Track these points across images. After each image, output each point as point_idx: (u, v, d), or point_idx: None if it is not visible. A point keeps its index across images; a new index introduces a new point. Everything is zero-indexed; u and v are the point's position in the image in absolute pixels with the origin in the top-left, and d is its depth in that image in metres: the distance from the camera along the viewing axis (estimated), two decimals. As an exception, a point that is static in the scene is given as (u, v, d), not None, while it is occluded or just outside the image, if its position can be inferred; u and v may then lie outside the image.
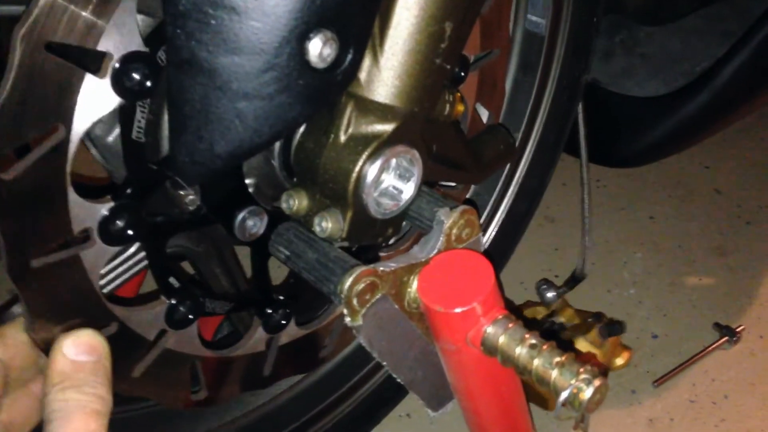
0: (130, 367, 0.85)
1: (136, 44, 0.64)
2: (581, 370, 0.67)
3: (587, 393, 0.65)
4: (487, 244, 1.32)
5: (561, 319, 1.40)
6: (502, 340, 0.71)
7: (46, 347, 0.70)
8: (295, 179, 0.80)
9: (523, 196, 1.30)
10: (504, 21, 1.00)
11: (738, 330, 1.59)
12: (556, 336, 1.32)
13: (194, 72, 0.63)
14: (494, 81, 1.05)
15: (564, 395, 0.65)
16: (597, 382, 0.66)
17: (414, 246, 0.79)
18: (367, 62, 0.71)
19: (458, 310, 0.70)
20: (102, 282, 0.80)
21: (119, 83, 0.64)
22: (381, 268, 0.73)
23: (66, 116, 0.64)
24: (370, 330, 0.75)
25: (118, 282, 0.84)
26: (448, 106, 0.79)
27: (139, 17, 0.66)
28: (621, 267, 1.79)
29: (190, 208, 0.80)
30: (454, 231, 0.78)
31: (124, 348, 0.84)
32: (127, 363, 0.85)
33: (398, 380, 0.82)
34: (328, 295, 0.74)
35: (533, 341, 0.70)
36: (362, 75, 0.71)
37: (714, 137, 2.08)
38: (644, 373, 1.54)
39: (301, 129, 0.78)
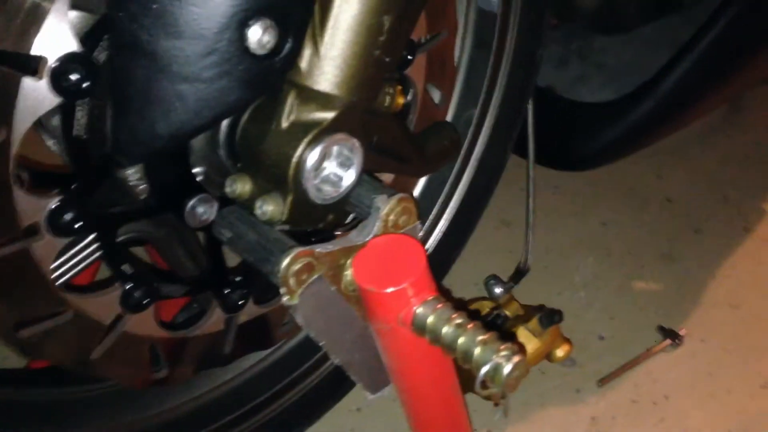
0: (88, 350, 0.88)
1: (72, 45, 0.66)
2: (502, 347, 0.70)
3: (506, 369, 0.69)
4: (452, 215, 1.36)
5: (506, 312, 1.44)
6: (430, 319, 0.74)
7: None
8: (239, 165, 0.83)
9: (483, 172, 1.34)
10: (450, 3, 1.04)
11: (681, 333, 1.64)
12: (498, 326, 1.36)
13: (136, 55, 0.66)
14: (443, 62, 1.08)
15: (484, 370, 0.69)
16: (516, 359, 0.69)
17: (353, 231, 0.82)
18: (308, 52, 0.74)
19: (390, 290, 0.74)
20: (57, 272, 0.83)
21: (57, 84, 0.67)
22: (318, 250, 0.76)
23: (6, 118, 0.66)
24: (307, 310, 0.78)
25: (73, 272, 0.87)
26: (388, 97, 0.83)
27: (77, 14, 0.69)
28: (572, 270, 1.83)
29: (141, 197, 0.82)
30: (391, 217, 0.81)
31: (82, 333, 0.87)
32: (85, 347, 0.88)
33: (335, 362, 0.85)
34: (267, 275, 0.77)
35: (459, 320, 0.73)
36: (303, 64, 0.75)
37: (666, 147, 2.16)
38: (590, 373, 1.58)
39: (245, 116, 0.81)
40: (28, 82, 0.66)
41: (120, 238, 0.88)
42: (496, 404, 0.72)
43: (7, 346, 0.80)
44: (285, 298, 0.76)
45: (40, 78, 0.66)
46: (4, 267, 0.73)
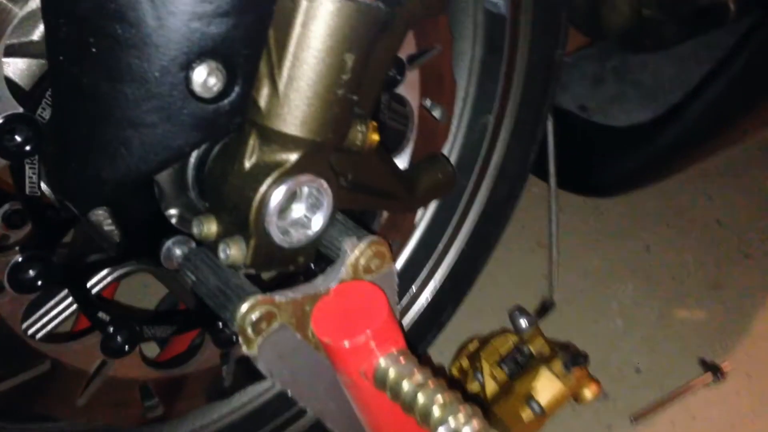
0: (72, 398, 0.88)
1: (12, 107, 0.65)
2: (461, 408, 0.65)
3: (463, 433, 0.64)
4: (471, 229, 1.30)
5: (531, 348, 1.38)
6: (391, 374, 0.70)
7: None
8: (207, 205, 0.80)
9: (504, 181, 1.28)
10: (441, 17, 0.99)
11: (724, 367, 1.54)
12: (519, 363, 1.30)
13: (78, 99, 0.64)
14: (440, 75, 1.04)
15: (439, 434, 0.64)
16: (475, 424, 0.64)
17: (320, 275, 0.78)
18: (266, 91, 0.71)
19: (347, 342, 0.70)
20: (37, 326, 0.83)
21: (1, 146, 0.66)
22: (278, 298, 0.73)
23: None
24: (269, 359, 0.74)
25: (54, 324, 0.86)
26: (360, 135, 0.79)
27: (24, 62, 0.68)
28: (610, 297, 1.75)
29: (114, 242, 0.81)
30: (361, 262, 0.77)
31: (62, 382, 0.86)
32: (68, 394, 0.87)
33: (308, 412, 0.82)
34: (225, 322, 0.74)
35: (420, 378, 0.69)
36: (263, 104, 0.71)
37: (717, 167, 2.05)
38: (623, 408, 1.50)
39: (212, 154, 0.78)
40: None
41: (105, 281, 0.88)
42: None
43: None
44: (243, 348, 0.73)
45: None
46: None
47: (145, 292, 1.43)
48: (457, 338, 1.51)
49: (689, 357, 1.59)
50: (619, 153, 1.35)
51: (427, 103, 1.05)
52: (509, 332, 1.46)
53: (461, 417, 0.64)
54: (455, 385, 0.72)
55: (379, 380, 0.71)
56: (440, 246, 1.29)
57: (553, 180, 1.22)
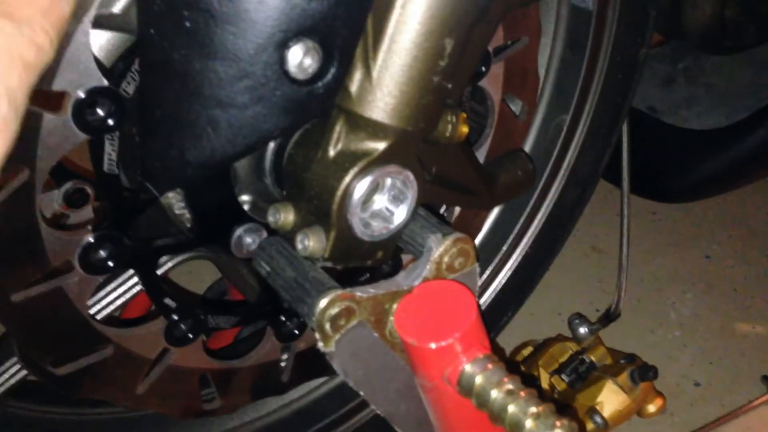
0: (132, 385, 0.85)
1: (96, 79, 0.62)
2: (557, 423, 0.61)
3: (560, 449, 0.60)
4: (536, 232, 1.25)
5: (591, 357, 1.33)
6: (478, 381, 0.66)
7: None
8: (284, 192, 0.77)
9: (574, 184, 1.23)
10: (531, 7, 0.94)
11: (789, 386, 1.48)
12: (580, 374, 1.25)
13: (167, 75, 0.61)
14: (525, 70, 0.99)
15: (534, 449, 0.60)
16: (572, 439, 0.60)
17: (401, 272, 0.74)
18: (358, 75, 0.67)
19: (433, 345, 0.66)
20: (97, 307, 0.80)
21: (82, 120, 0.63)
22: (359, 293, 0.69)
23: (28, 157, 0.63)
24: (345, 357, 0.71)
25: (113, 306, 0.84)
26: (450, 126, 0.75)
27: (113, 35, 0.65)
28: (668, 307, 1.69)
29: (186, 226, 0.78)
30: (445, 260, 0.73)
31: (124, 367, 0.84)
32: (128, 381, 0.85)
33: (378, 412, 0.78)
34: (302, 316, 0.71)
35: (511, 385, 0.65)
36: (354, 89, 0.67)
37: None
38: (681, 423, 1.44)
39: (293, 140, 0.75)
40: (50, 120, 0.62)
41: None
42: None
43: (46, 384, 0.78)
44: (320, 345, 0.69)
45: (64, 115, 0.62)
46: (38, 304, 0.71)
47: (190, 278, 1.40)
48: (507, 342, 1.47)
49: (751, 373, 1.53)
50: (695, 157, 1.30)
51: (509, 97, 1.00)
52: (567, 339, 1.41)
53: (558, 430, 0.60)
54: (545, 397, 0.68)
55: (465, 386, 0.67)
56: (504, 248, 1.24)
57: (626, 184, 1.17)
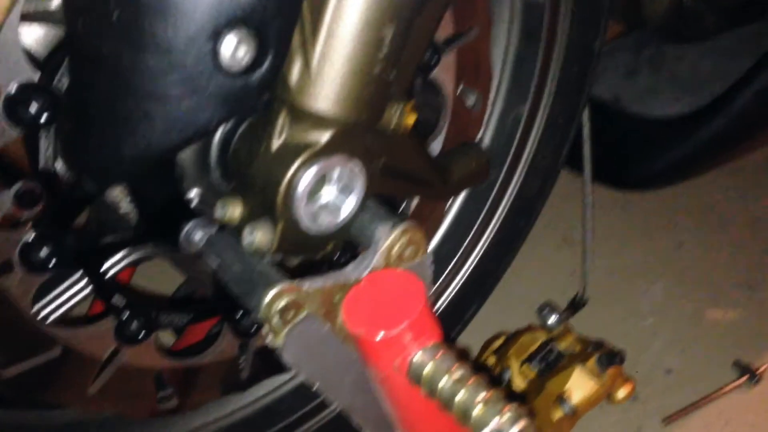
0: (83, 386, 0.84)
1: (27, 74, 0.61)
2: (506, 408, 0.61)
3: (508, 435, 0.59)
4: (499, 224, 1.26)
5: (561, 345, 1.33)
6: (427, 369, 0.65)
7: None
8: (231, 186, 0.76)
9: (535, 175, 1.23)
10: None
11: (760, 370, 1.48)
12: (549, 362, 1.25)
13: (98, 70, 0.60)
14: (477, 60, 0.99)
15: (481, 435, 0.59)
16: (521, 424, 0.60)
17: (350, 263, 0.74)
18: (297, 66, 0.66)
19: (381, 335, 0.65)
20: (49, 308, 0.79)
21: (13, 116, 0.61)
22: (305, 286, 0.69)
23: None
24: (295, 351, 0.70)
25: (64, 307, 0.82)
26: (396, 117, 0.74)
27: (41, 28, 0.64)
28: (640, 295, 1.69)
29: (132, 224, 0.77)
30: (394, 250, 0.73)
31: (73, 368, 0.83)
32: (79, 382, 0.84)
33: (335, 407, 0.77)
34: (250, 311, 0.70)
35: (460, 373, 0.64)
36: (293, 81, 0.67)
37: (753, 162, 1.98)
38: (653, 410, 1.44)
39: (238, 133, 0.74)
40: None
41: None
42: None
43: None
44: (268, 339, 0.69)
45: None
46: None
47: (161, 279, 1.39)
48: (480, 334, 1.46)
49: (723, 359, 1.53)
50: (657, 145, 1.30)
51: (462, 89, 1.00)
52: (537, 329, 1.41)
53: (507, 417, 0.59)
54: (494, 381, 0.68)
55: (414, 375, 0.66)
56: (467, 240, 1.24)
57: (588, 173, 1.17)
